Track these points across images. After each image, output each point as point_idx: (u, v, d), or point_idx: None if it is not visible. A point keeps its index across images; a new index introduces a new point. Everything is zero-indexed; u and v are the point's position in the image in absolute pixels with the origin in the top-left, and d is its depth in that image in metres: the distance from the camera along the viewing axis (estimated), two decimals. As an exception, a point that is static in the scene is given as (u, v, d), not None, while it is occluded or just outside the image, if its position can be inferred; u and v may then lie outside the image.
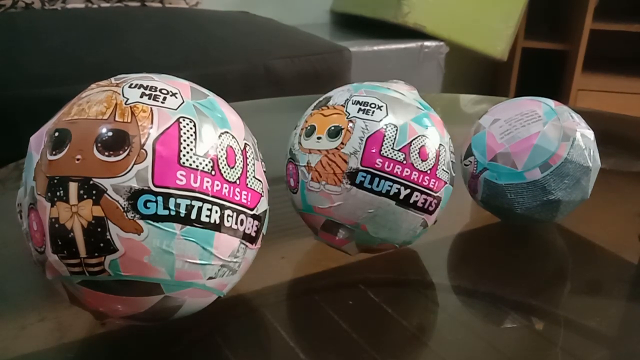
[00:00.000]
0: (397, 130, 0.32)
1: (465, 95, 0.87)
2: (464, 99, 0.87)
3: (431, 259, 0.39)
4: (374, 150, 0.31)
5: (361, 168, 0.31)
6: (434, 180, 0.32)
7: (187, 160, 0.24)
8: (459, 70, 1.84)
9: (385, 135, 0.31)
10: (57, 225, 0.23)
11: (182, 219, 0.24)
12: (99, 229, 0.23)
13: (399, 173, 0.31)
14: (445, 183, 0.33)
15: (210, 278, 0.26)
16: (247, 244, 0.27)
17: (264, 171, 0.29)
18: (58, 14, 1.05)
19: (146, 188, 0.23)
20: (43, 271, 0.25)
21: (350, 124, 0.32)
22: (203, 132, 0.25)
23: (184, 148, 0.24)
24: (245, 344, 0.30)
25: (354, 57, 1.08)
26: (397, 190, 0.31)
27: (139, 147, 0.24)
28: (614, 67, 1.82)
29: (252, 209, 0.27)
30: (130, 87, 0.26)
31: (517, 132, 0.38)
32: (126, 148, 0.24)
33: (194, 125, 0.25)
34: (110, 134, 0.24)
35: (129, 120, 0.24)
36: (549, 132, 0.37)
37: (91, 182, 0.23)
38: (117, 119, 0.24)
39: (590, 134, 0.38)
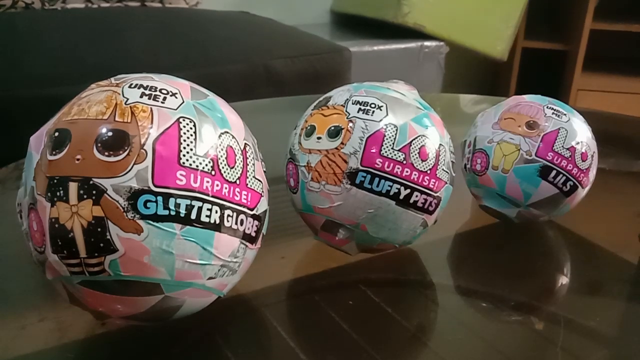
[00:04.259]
0: (397, 130, 0.32)
1: (465, 95, 0.87)
2: (464, 99, 0.87)
3: (431, 259, 0.39)
4: (374, 150, 0.31)
5: (361, 168, 0.31)
6: (434, 180, 0.32)
7: (187, 160, 0.24)
8: (459, 70, 1.84)
9: (385, 135, 0.31)
10: (57, 225, 0.23)
11: (182, 219, 0.24)
12: (99, 229, 0.23)
13: (399, 173, 0.31)
14: (445, 183, 0.33)
15: (210, 278, 0.26)
16: (247, 244, 0.27)
17: (264, 171, 0.29)
18: (58, 14, 1.05)
19: (146, 188, 0.23)
20: (43, 271, 0.25)
21: (350, 124, 0.32)
22: (203, 132, 0.25)
23: (184, 148, 0.24)
24: (245, 344, 0.30)
25: (354, 57, 1.08)
26: (397, 190, 0.31)
27: (139, 147, 0.24)
28: (614, 67, 1.82)
29: (252, 209, 0.27)
30: (130, 87, 0.26)
31: None
32: (126, 148, 0.24)
33: (194, 125, 0.25)
34: (110, 134, 0.24)
35: (129, 120, 0.24)
36: None
37: (91, 182, 0.23)
38: (117, 119, 0.24)
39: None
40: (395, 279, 0.37)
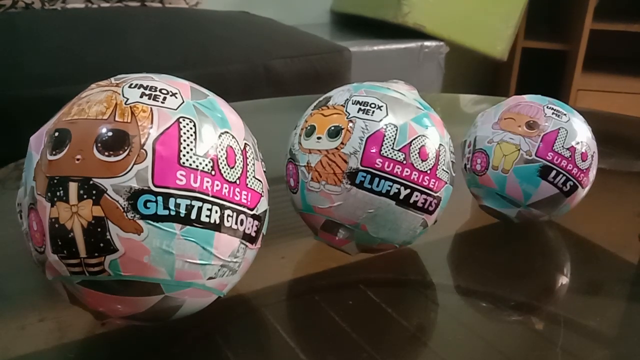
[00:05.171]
0: (397, 130, 0.32)
1: (465, 95, 0.87)
2: (464, 99, 0.87)
3: (431, 259, 0.39)
4: (373, 150, 0.31)
5: (361, 168, 0.31)
6: (434, 180, 0.32)
7: (187, 160, 0.24)
8: (459, 70, 1.84)
9: (385, 135, 0.31)
10: (57, 225, 0.23)
11: (182, 219, 0.24)
12: (99, 229, 0.23)
13: (399, 173, 0.31)
14: (445, 183, 0.33)
15: (210, 278, 0.26)
16: (247, 244, 0.27)
17: (264, 171, 0.29)
18: (58, 14, 1.05)
19: (146, 188, 0.23)
20: (43, 271, 0.25)
21: (350, 124, 0.32)
22: (203, 132, 0.25)
23: (184, 148, 0.24)
24: (245, 344, 0.30)
25: (354, 57, 1.08)
26: (397, 190, 0.31)
27: (139, 147, 0.24)
28: (614, 67, 1.82)
29: (252, 209, 0.27)
30: (130, 87, 0.26)
31: None
32: (126, 148, 0.24)
33: (194, 125, 0.25)
34: (110, 134, 0.24)
35: (129, 120, 0.24)
36: None
37: (91, 182, 0.23)
38: (117, 119, 0.24)
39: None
40: (395, 279, 0.37)
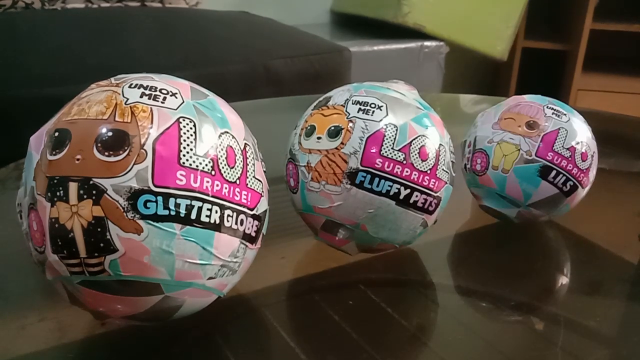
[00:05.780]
0: (397, 130, 0.32)
1: (465, 95, 0.87)
2: (464, 99, 0.87)
3: (431, 259, 0.39)
4: (374, 150, 0.31)
5: (361, 168, 0.31)
6: (434, 180, 0.32)
7: (187, 160, 0.24)
8: (459, 70, 1.84)
9: (385, 135, 0.31)
10: (57, 225, 0.23)
11: (182, 219, 0.24)
12: (99, 229, 0.23)
13: (399, 173, 0.31)
14: (445, 183, 0.33)
15: (210, 278, 0.26)
16: (247, 244, 0.27)
17: (264, 171, 0.29)
18: (58, 14, 1.05)
19: (146, 188, 0.23)
20: (43, 271, 0.25)
21: (350, 124, 0.32)
22: (203, 132, 0.25)
23: (184, 148, 0.24)
24: (245, 344, 0.30)
25: (354, 57, 1.08)
26: (397, 190, 0.31)
27: (139, 147, 0.24)
28: (614, 67, 1.82)
29: (252, 209, 0.27)
30: (130, 87, 0.26)
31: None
32: (126, 148, 0.24)
33: (194, 125, 0.25)
34: (110, 134, 0.24)
35: (129, 120, 0.24)
36: None
37: (91, 182, 0.23)
38: (117, 119, 0.24)
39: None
40: (395, 279, 0.37)
